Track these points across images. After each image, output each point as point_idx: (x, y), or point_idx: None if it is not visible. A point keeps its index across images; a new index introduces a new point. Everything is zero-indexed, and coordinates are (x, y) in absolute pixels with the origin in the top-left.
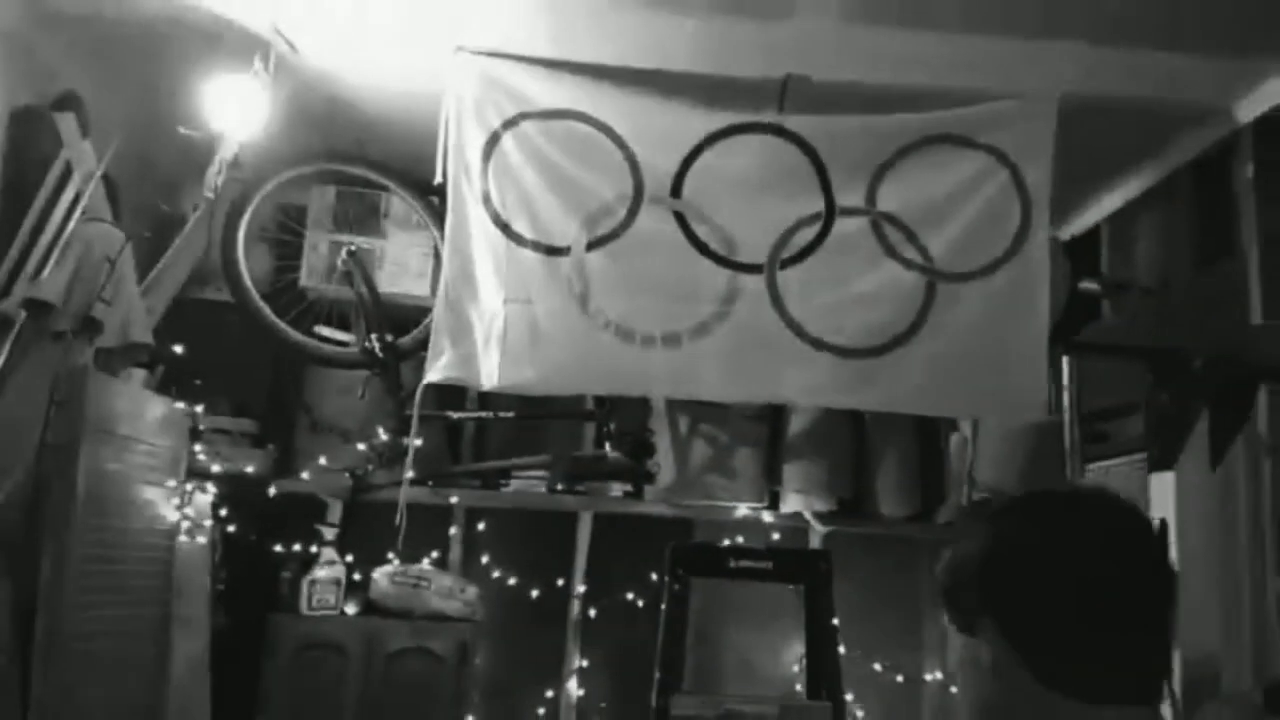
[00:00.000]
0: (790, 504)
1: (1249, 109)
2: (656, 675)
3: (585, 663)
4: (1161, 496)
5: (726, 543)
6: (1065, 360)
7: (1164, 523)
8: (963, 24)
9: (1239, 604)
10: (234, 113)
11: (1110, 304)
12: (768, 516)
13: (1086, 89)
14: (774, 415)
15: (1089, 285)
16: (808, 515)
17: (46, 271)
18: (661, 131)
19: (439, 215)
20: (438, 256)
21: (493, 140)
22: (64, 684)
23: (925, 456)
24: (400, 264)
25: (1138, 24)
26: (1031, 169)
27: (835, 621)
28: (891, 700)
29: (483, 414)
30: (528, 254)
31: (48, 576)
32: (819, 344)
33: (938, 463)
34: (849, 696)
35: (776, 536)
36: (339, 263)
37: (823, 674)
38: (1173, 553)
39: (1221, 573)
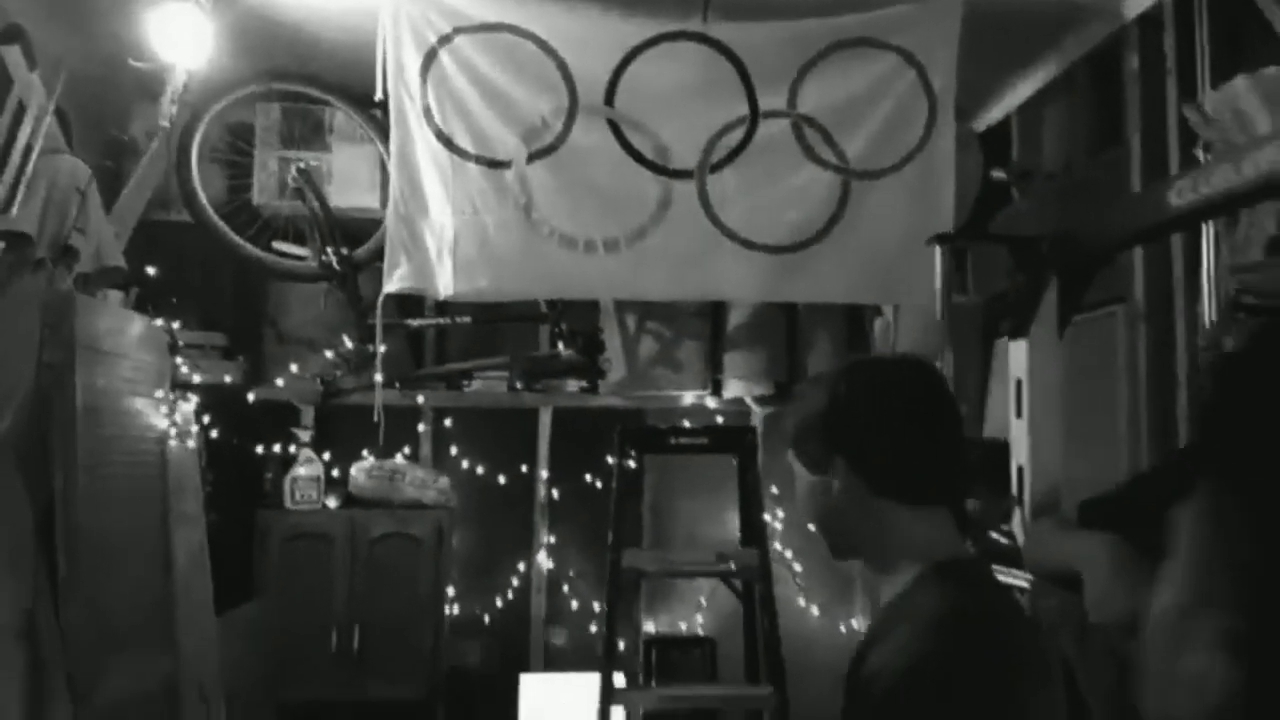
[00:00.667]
0: (731, 390)
1: (1135, 4)
2: (610, 536)
3: (553, 539)
4: (1018, 360)
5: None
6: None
7: (1019, 382)
8: None
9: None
10: (179, 42)
11: (1017, 190)
12: (712, 403)
13: None
14: (715, 310)
15: (999, 174)
16: (748, 400)
17: (16, 205)
18: (593, 42)
19: (383, 128)
20: (384, 169)
21: (430, 56)
22: (85, 574)
23: (852, 341)
24: (348, 177)
25: None
26: (937, 67)
27: (775, 490)
28: (821, 551)
29: (441, 320)
30: (472, 167)
31: (60, 481)
32: (747, 244)
33: (864, 347)
34: (778, 545)
35: (720, 420)
36: (289, 179)
37: (752, 528)
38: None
39: (1062, 422)
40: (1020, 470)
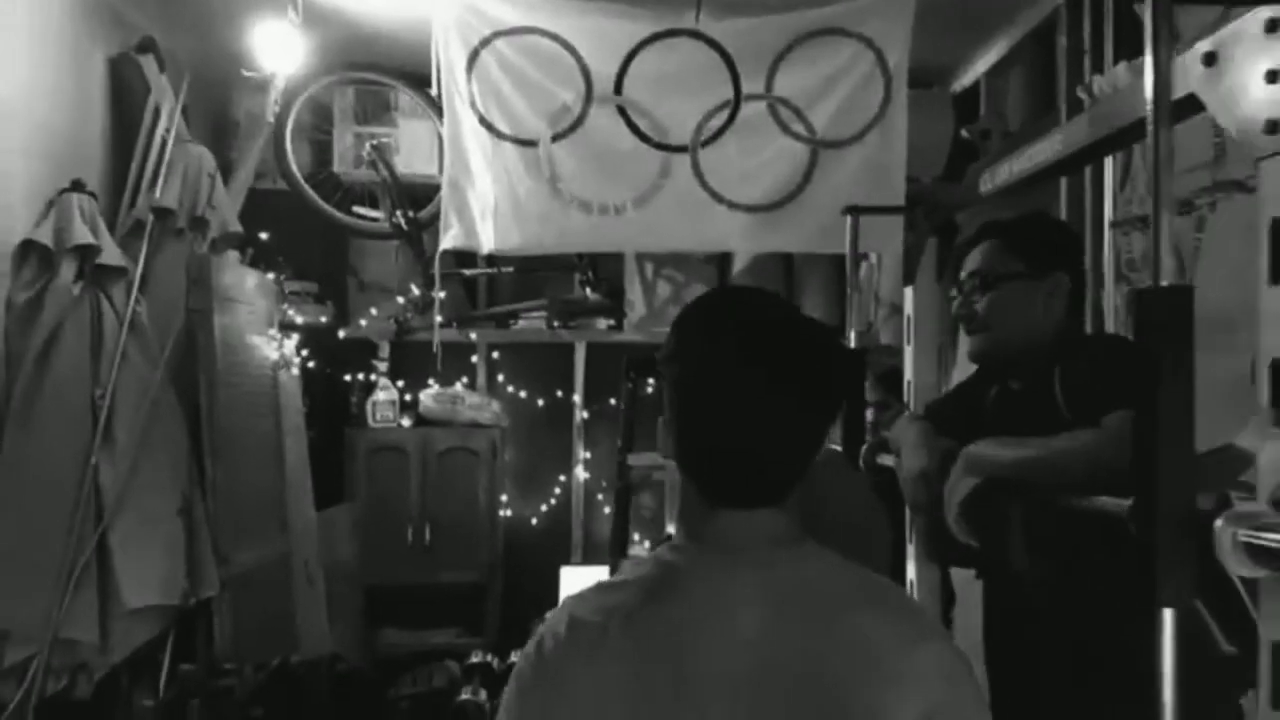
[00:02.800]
0: None
1: None
2: (619, 443)
3: (588, 454)
4: (908, 300)
5: None
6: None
7: (908, 317)
8: None
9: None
10: (279, 52)
11: (980, 149)
12: None
13: None
14: (721, 258)
15: (965, 133)
16: None
17: (159, 186)
18: (604, 40)
19: (438, 106)
20: (441, 141)
21: (473, 56)
22: (224, 469)
23: (840, 283)
24: (412, 149)
25: None
26: (892, 51)
27: None
28: None
29: (490, 270)
30: (507, 146)
31: (205, 398)
32: (732, 205)
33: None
34: None
35: None
36: (364, 152)
37: None
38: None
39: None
40: (909, 384)
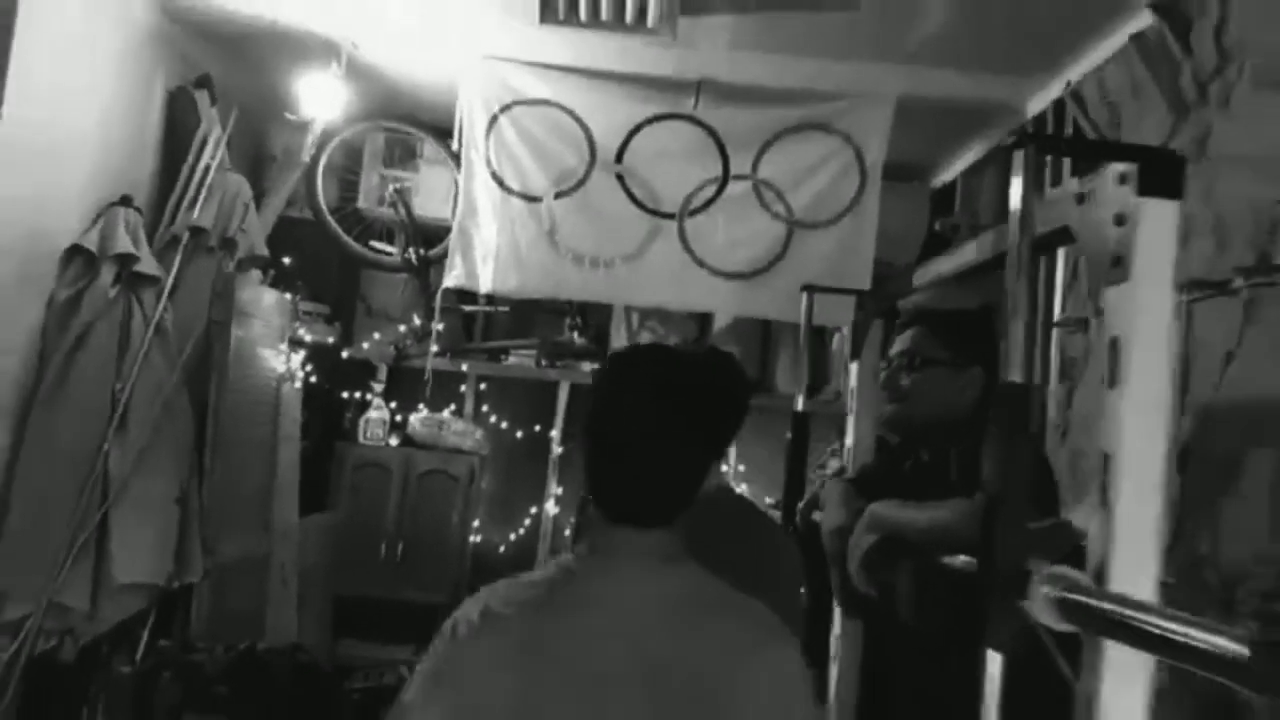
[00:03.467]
0: None
1: (1033, 107)
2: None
3: (560, 490)
4: (853, 375)
5: None
6: None
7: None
8: (814, 51)
9: None
10: (320, 100)
11: (951, 240)
12: None
13: (917, 92)
14: (702, 315)
15: (938, 226)
16: None
17: (198, 208)
18: (612, 116)
19: (456, 157)
20: (456, 187)
21: (492, 120)
22: (220, 466)
23: (814, 349)
24: (430, 192)
25: (946, 50)
26: (870, 148)
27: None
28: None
29: (487, 307)
30: (515, 200)
31: (214, 398)
32: (713, 271)
33: (824, 354)
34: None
35: None
36: (387, 194)
37: None
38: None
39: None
40: (849, 449)
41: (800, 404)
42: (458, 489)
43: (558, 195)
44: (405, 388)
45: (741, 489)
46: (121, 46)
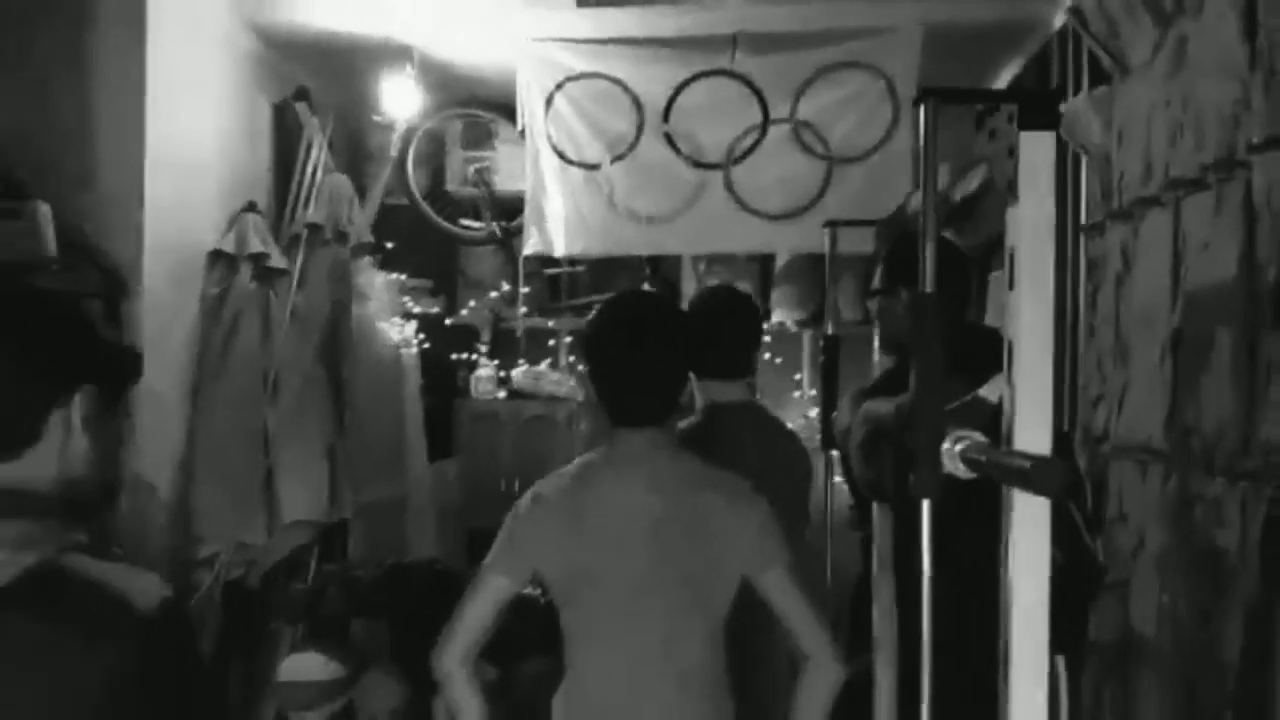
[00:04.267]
0: (777, 315)
1: (1061, 20)
2: None
3: None
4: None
5: None
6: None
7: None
8: None
9: None
10: (401, 101)
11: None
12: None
13: (944, 19)
14: (764, 257)
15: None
16: (789, 323)
17: (312, 206)
18: (655, 80)
19: (523, 135)
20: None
21: (549, 100)
22: (357, 424)
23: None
24: (508, 168)
25: None
26: (900, 80)
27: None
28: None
29: (569, 269)
30: (575, 170)
31: (345, 370)
32: (758, 214)
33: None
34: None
35: (768, 339)
36: (469, 174)
37: None
38: None
39: None
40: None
41: (830, 329)
42: (559, 430)
43: (613, 160)
44: (506, 347)
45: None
46: (232, 71)
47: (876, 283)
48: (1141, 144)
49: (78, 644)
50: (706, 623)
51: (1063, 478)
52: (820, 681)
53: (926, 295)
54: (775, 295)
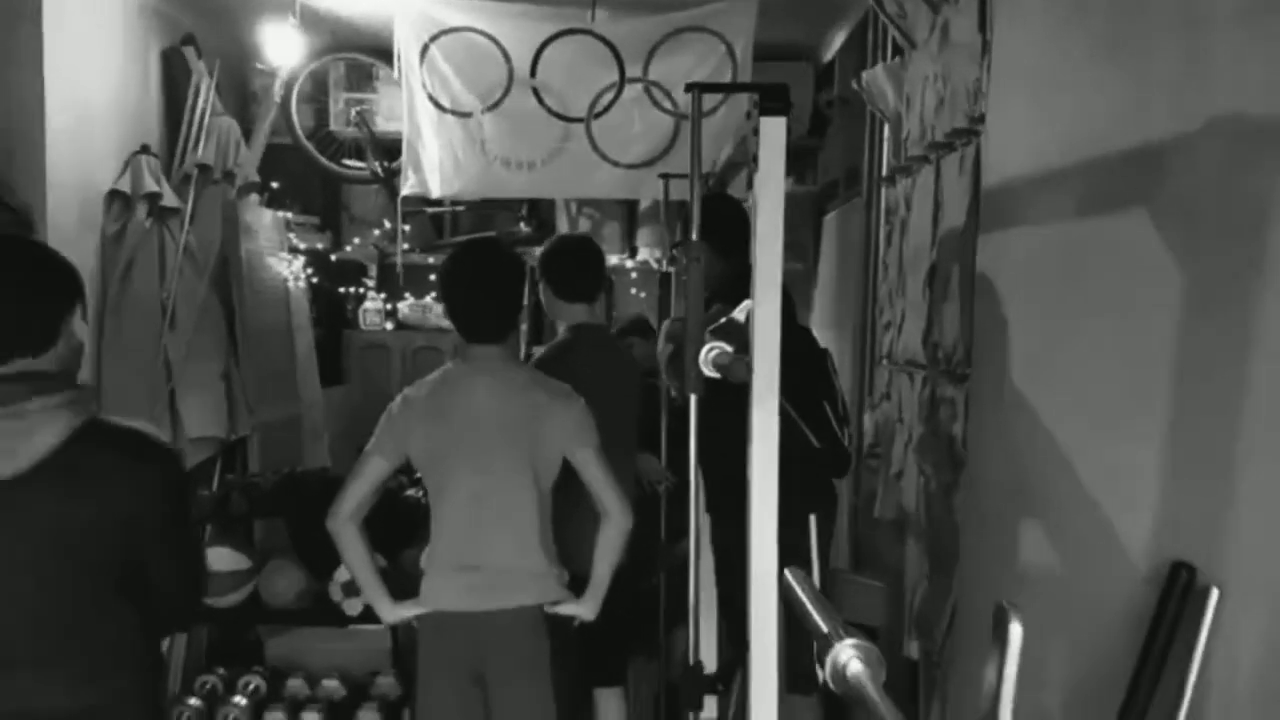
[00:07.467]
0: (641, 254)
1: None
2: (524, 341)
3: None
4: None
5: None
6: None
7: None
8: None
9: None
10: (283, 49)
11: (829, 115)
12: (629, 263)
13: None
14: (630, 200)
15: (821, 101)
16: (652, 261)
17: (201, 148)
18: (523, 37)
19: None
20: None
21: (424, 50)
22: (250, 348)
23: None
24: (389, 111)
25: None
26: (739, 44)
27: None
28: None
29: (450, 208)
30: (449, 117)
31: (236, 300)
32: (615, 163)
33: None
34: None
35: (634, 275)
36: (351, 116)
37: None
38: None
39: None
40: None
41: (662, 266)
42: (445, 359)
43: (485, 110)
44: (393, 281)
45: None
46: (121, 20)
47: (678, 235)
48: (919, 109)
49: (130, 464)
50: (536, 491)
51: (746, 374)
52: (613, 530)
53: (694, 242)
54: (640, 234)
